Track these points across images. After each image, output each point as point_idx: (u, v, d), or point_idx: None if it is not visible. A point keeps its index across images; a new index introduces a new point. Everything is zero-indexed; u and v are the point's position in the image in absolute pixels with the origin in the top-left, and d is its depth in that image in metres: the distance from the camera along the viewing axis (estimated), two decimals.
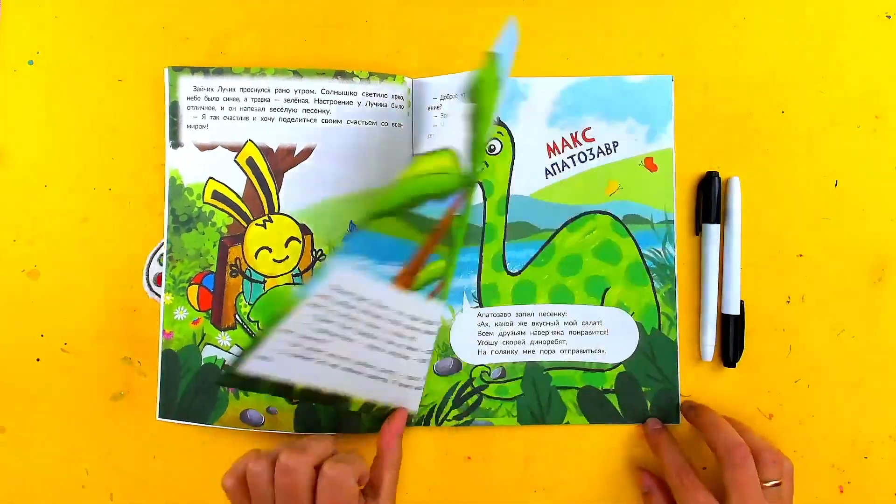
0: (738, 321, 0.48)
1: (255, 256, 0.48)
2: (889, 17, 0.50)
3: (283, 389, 0.41)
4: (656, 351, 0.48)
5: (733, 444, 0.43)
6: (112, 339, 0.49)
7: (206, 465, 0.48)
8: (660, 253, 0.48)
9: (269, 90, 0.49)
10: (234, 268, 0.48)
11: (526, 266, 0.49)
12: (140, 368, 0.49)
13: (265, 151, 0.48)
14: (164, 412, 0.48)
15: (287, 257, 0.48)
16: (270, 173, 0.48)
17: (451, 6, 0.50)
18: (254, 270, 0.48)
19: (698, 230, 0.49)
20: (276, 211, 0.48)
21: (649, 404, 0.48)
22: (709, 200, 0.48)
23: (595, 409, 0.48)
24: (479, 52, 0.50)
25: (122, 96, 0.50)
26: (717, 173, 0.48)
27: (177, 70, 0.49)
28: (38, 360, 0.49)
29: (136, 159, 0.49)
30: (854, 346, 0.49)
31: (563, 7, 0.50)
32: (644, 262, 0.48)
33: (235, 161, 0.48)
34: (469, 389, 0.48)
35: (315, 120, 0.49)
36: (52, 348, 0.49)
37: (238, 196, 0.48)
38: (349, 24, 0.50)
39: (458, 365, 0.48)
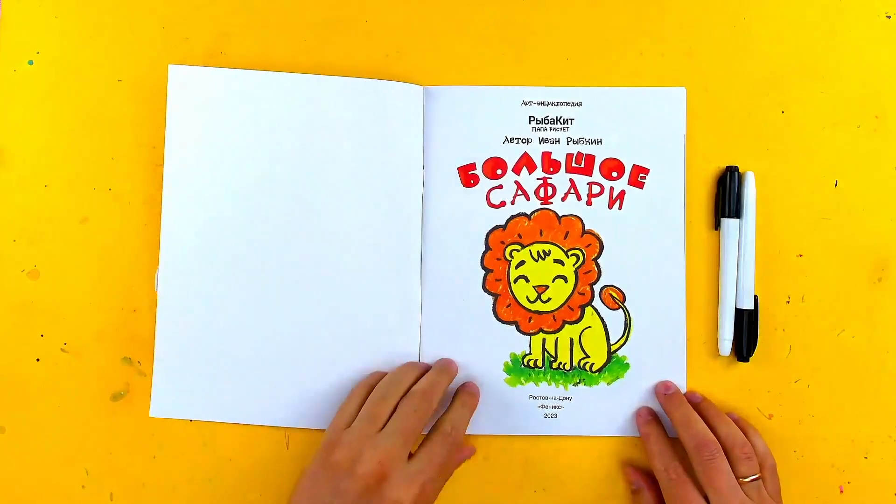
0: (752, 316, 0.48)
1: None
2: (889, 17, 0.50)
3: None
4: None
5: (702, 442, 0.43)
6: (112, 339, 0.49)
7: (207, 465, 0.48)
8: None
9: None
10: None
11: None
12: (140, 368, 0.49)
13: None
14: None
15: None
16: None
17: (452, 7, 0.50)
18: None
19: (717, 225, 0.49)
20: None
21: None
22: (727, 195, 0.48)
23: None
24: (480, 52, 0.50)
25: (122, 96, 0.50)
26: (736, 168, 0.48)
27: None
28: (38, 360, 0.49)
29: (136, 159, 0.49)
30: (854, 346, 0.49)
31: (563, 8, 0.50)
32: None
33: None
34: None
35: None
36: (52, 348, 0.49)
37: None
38: (349, 24, 0.50)
39: None
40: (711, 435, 0.44)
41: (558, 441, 0.48)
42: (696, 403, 0.47)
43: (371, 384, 0.46)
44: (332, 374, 0.48)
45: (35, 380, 0.49)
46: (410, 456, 0.42)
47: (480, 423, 0.48)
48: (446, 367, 0.47)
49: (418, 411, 0.43)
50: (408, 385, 0.45)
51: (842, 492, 0.48)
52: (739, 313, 0.48)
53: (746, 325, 0.48)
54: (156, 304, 0.48)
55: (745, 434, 0.45)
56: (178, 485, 0.48)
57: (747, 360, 0.48)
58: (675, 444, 0.46)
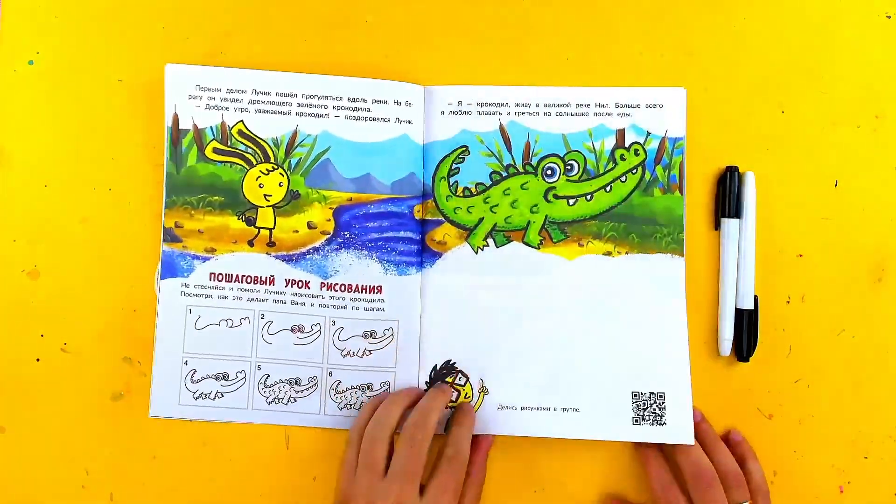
0: (752, 316, 0.48)
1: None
2: (889, 17, 0.50)
3: None
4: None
5: (698, 471, 0.44)
6: (112, 339, 0.49)
7: (207, 465, 0.48)
8: None
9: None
10: None
11: None
12: (140, 368, 0.49)
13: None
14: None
15: None
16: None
17: (451, 7, 0.50)
18: None
19: (717, 225, 0.49)
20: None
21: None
22: (727, 195, 0.48)
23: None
24: (479, 51, 0.50)
25: (122, 96, 0.50)
26: (736, 168, 0.48)
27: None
28: (38, 360, 0.49)
29: (136, 159, 0.49)
30: (854, 346, 0.49)
31: (563, 8, 0.50)
32: None
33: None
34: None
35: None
36: (52, 348, 0.49)
37: None
38: (349, 24, 0.50)
39: None
40: (708, 463, 0.44)
41: (558, 441, 0.48)
42: (695, 424, 0.47)
43: (361, 427, 0.44)
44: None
45: (35, 380, 0.49)
46: (422, 488, 0.42)
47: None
48: (440, 392, 0.47)
49: (415, 446, 0.42)
50: (394, 422, 0.44)
51: (842, 492, 0.48)
52: (739, 313, 0.48)
53: (746, 325, 0.48)
54: (156, 304, 0.48)
55: (744, 459, 0.46)
56: (178, 485, 0.48)
57: (747, 360, 0.48)
58: (673, 468, 0.46)
